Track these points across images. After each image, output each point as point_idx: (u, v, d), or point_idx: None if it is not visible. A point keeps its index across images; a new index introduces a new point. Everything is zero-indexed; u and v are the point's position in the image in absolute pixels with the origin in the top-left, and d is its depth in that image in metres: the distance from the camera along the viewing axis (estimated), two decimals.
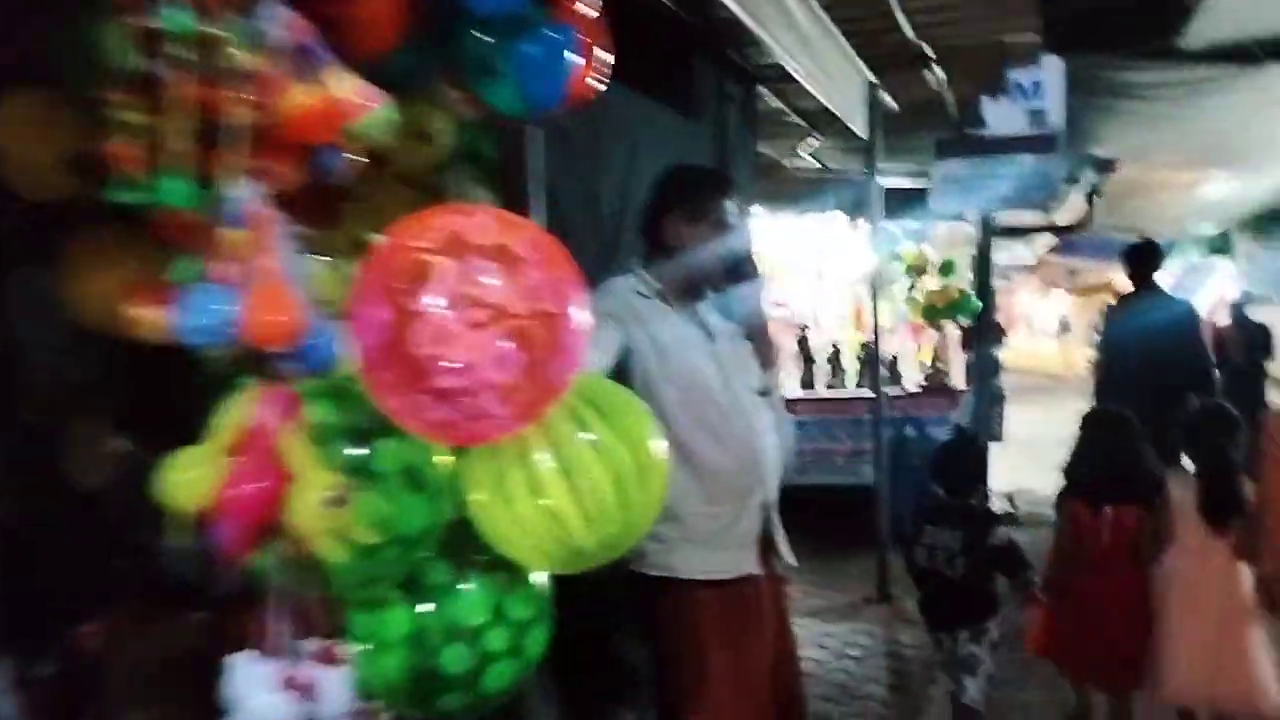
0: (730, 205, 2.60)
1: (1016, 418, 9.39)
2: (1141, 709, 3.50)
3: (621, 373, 2.47)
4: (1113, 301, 6.70)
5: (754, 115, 5.06)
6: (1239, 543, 3.22)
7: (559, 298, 1.38)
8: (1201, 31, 7.69)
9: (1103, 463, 3.50)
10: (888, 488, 6.05)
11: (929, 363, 7.60)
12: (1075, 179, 7.67)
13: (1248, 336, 8.21)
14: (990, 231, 7.83)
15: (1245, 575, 3.25)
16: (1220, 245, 19.44)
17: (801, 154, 7.60)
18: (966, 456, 3.67)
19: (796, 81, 4.40)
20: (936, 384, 7.39)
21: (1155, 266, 6.16)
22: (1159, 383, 5.06)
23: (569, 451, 1.47)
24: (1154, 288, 6.07)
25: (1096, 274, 28.17)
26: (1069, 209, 8.71)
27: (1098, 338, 6.48)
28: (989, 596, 3.45)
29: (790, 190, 8.70)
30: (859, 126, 4.94)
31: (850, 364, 8.33)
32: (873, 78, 4.89)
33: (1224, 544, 3.25)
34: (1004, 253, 18.33)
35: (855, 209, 8.34)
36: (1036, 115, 6.58)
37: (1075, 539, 3.47)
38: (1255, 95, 8.70)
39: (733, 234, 2.59)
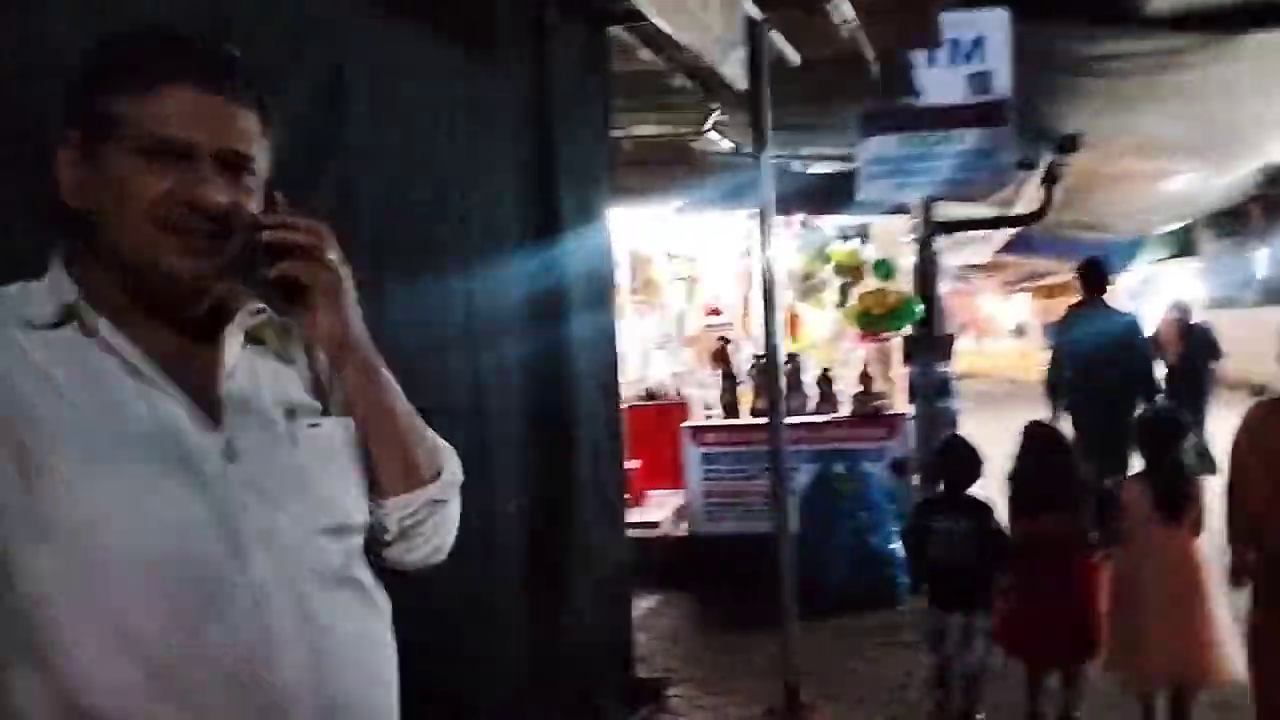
0: (204, 98, 1.08)
1: (971, 427, 8.21)
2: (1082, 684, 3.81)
3: None
4: (1063, 312, 6.89)
5: (602, 67, 3.70)
6: (1194, 528, 3.51)
7: None
8: None
9: (1042, 474, 3.76)
10: (800, 540, 4.71)
11: (860, 383, 6.25)
12: (1030, 162, 6.42)
13: (1190, 338, 8.65)
14: (934, 225, 6.53)
15: (1203, 560, 3.50)
16: (1183, 244, 18.38)
17: (710, 132, 6.29)
18: (965, 453, 3.87)
19: (658, 25, 3.05)
20: (870, 409, 6.05)
21: (1104, 281, 6.42)
22: (1108, 389, 5.66)
23: None
24: (1101, 301, 6.34)
25: (1058, 275, 27.19)
26: (1025, 198, 7.47)
27: (1051, 344, 6.67)
28: (992, 576, 3.71)
29: (705, 178, 7.38)
30: (737, 75, 3.62)
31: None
32: (756, 11, 3.56)
33: (1179, 534, 3.50)
34: (960, 251, 17.13)
35: (783, 200, 7.04)
36: (979, 80, 5.31)
37: (1023, 542, 3.70)
38: (1229, 70, 7.47)
39: (211, 176, 1.08)
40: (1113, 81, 7.42)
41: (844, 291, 6.77)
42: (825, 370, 6.77)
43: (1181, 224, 16.06)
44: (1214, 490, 3.49)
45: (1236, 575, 3.15)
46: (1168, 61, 7.14)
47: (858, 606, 5.18)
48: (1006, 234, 12.37)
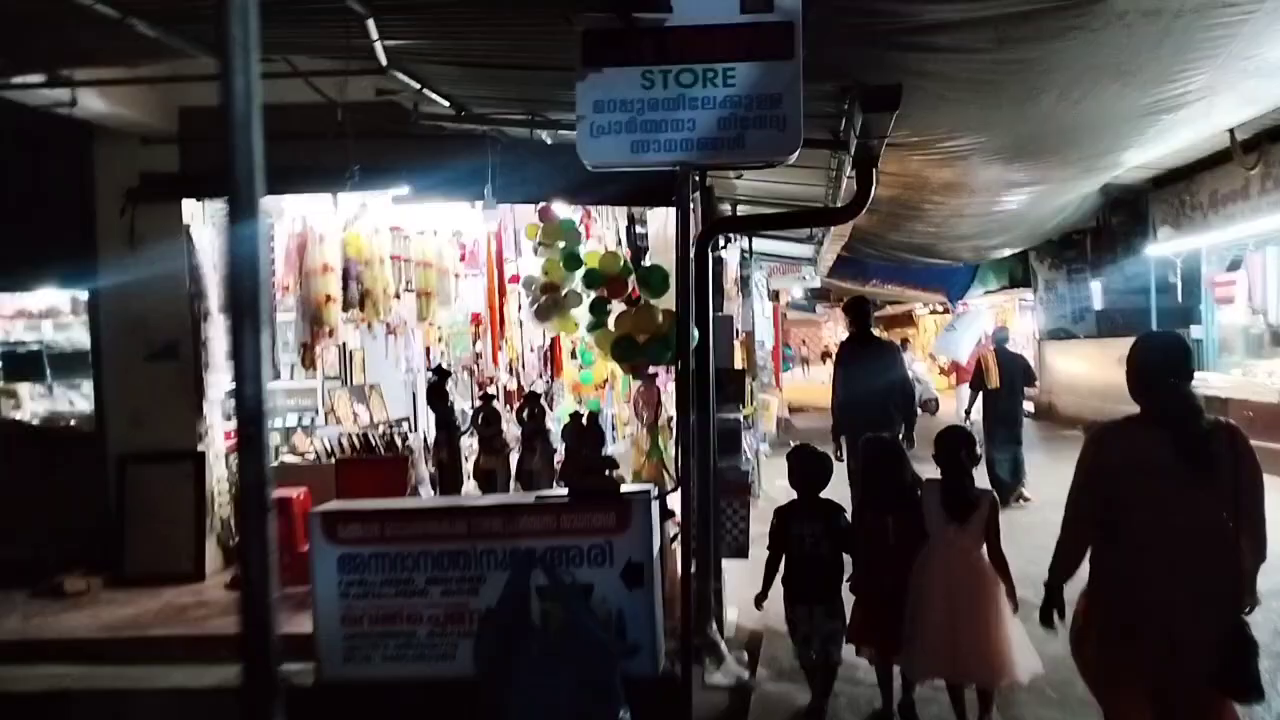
0: None
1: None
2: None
3: None
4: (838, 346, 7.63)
5: None
6: (988, 538, 3.77)
7: None
8: None
9: (883, 482, 4.05)
10: (480, 694, 2.63)
11: (575, 439, 4.21)
12: (839, 137, 4.60)
13: (1006, 367, 9.17)
14: (715, 221, 4.62)
15: (984, 565, 3.74)
16: (1019, 273, 17.37)
17: (389, 70, 4.22)
18: (818, 463, 4.15)
19: None
20: (601, 484, 3.94)
21: (867, 318, 7.23)
22: (873, 412, 6.32)
23: None
24: (869, 335, 7.19)
25: (899, 304, 26.21)
26: (843, 189, 5.66)
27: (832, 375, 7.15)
28: (841, 573, 4.03)
29: (430, 155, 5.33)
30: None
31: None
32: None
33: (964, 536, 3.76)
34: (793, 275, 15.56)
35: (526, 184, 5.02)
36: None
37: (869, 543, 3.97)
38: (1087, 46, 5.88)
39: None
40: (947, 59, 5.69)
41: (599, 309, 4.76)
42: (575, 416, 4.73)
43: (1015, 251, 14.94)
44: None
45: (1046, 616, 3.11)
46: (1014, 36, 5.46)
47: None
48: (834, 252, 10.73)
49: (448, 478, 4.79)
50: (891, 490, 3.97)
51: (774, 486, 8.64)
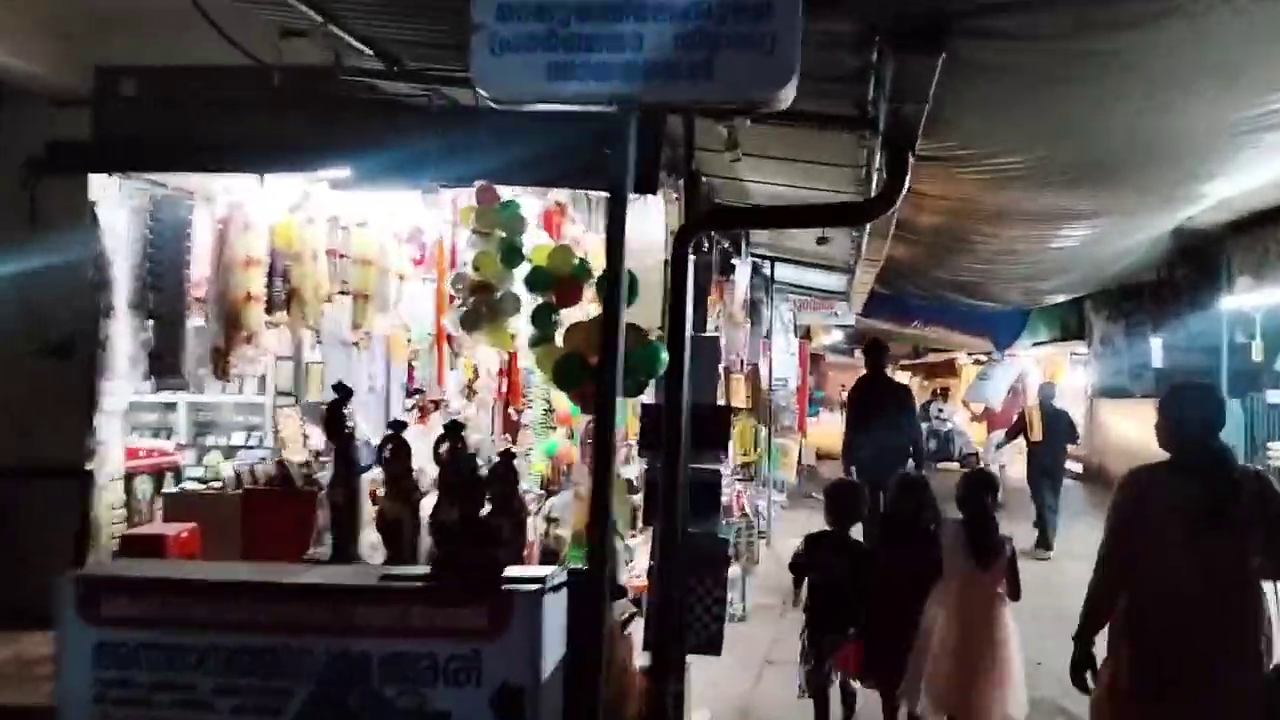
0: None
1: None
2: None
3: None
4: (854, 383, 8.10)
5: None
6: (1007, 581, 3.87)
7: None
8: None
9: (905, 519, 4.20)
10: None
11: (456, 498, 3.02)
12: (866, 112, 3.42)
13: (1050, 422, 9.28)
14: (702, 214, 3.46)
15: (1003, 607, 3.87)
16: (1073, 324, 15.83)
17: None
18: (850, 495, 4.44)
19: None
20: (466, 565, 2.66)
21: (884, 360, 8.28)
22: (886, 447, 7.06)
23: None
24: (882, 375, 8.08)
25: (940, 351, 24.70)
26: (871, 184, 4.45)
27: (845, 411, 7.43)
28: (860, 606, 4.15)
29: (376, 131, 4.27)
30: None
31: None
32: None
33: (986, 579, 3.84)
34: (822, 311, 14.24)
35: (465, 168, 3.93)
36: None
37: (882, 577, 4.09)
38: (1194, 33, 4.64)
39: None
40: (1008, 49, 4.49)
41: (543, 319, 3.62)
42: (503, 454, 3.56)
43: (1070, 297, 13.51)
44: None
45: (1079, 676, 3.06)
46: (1079, 44, 4.24)
47: None
48: (866, 283, 9.43)
49: (342, 525, 3.66)
50: (911, 528, 4.13)
51: (786, 546, 7.43)
